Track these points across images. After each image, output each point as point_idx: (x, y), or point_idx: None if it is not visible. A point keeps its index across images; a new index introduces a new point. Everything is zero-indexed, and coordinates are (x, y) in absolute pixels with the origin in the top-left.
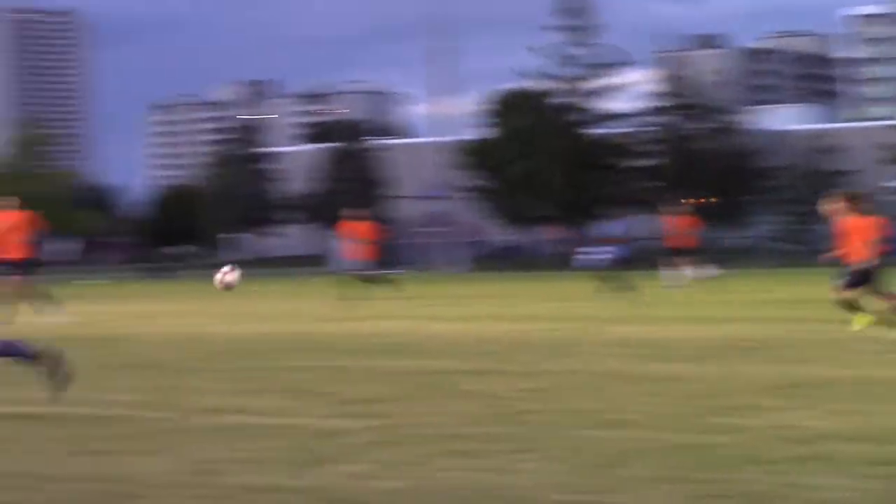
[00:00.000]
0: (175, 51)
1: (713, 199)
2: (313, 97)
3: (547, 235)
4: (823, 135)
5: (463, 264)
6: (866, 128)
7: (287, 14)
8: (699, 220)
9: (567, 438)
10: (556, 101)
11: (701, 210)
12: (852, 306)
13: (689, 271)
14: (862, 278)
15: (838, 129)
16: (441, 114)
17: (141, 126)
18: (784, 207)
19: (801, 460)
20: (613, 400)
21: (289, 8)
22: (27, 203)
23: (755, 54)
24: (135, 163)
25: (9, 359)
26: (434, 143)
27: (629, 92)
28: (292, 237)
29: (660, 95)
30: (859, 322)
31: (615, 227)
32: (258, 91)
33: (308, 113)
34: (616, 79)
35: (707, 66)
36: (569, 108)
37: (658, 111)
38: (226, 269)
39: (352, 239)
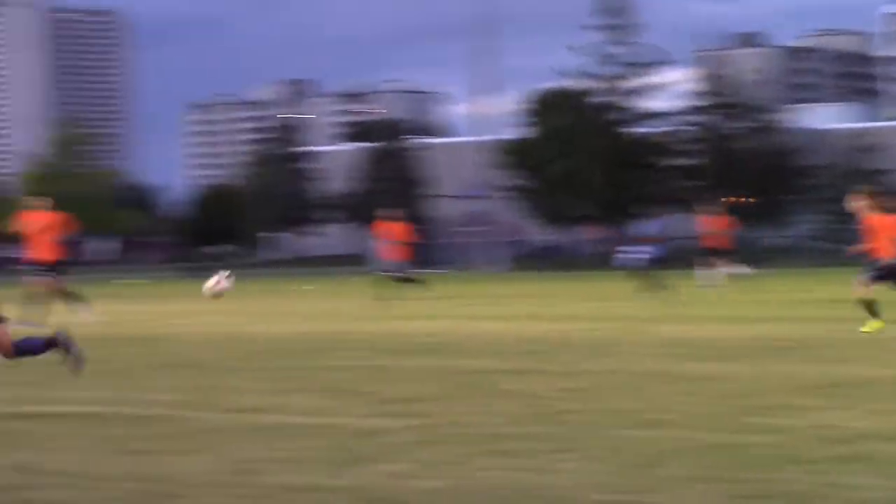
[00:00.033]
0: (215, 50)
1: (752, 199)
2: (352, 96)
3: (586, 235)
4: (864, 133)
5: (502, 264)
6: None
7: (326, 13)
8: (734, 221)
9: (606, 438)
10: (596, 100)
11: (740, 209)
12: (870, 307)
13: (723, 271)
14: (887, 274)
15: (879, 128)
16: (481, 113)
17: (180, 126)
18: (824, 206)
19: (841, 460)
20: (652, 400)
21: (328, 7)
22: (63, 203)
23: (795, 53)
24: (174, 162)
25: (30, 356)
26: (474, 142)
27: (669, 91)
28: (331, 236)
29: (700, 94)
30: (871, 326)
31: (651, 226)
32: (298, 90)
33: (347, 112)
34: (656, 78)
35: (747, 64)
36: (609, 108)
37: (698, 110)
38: (218, 277)
39: (385, 239)
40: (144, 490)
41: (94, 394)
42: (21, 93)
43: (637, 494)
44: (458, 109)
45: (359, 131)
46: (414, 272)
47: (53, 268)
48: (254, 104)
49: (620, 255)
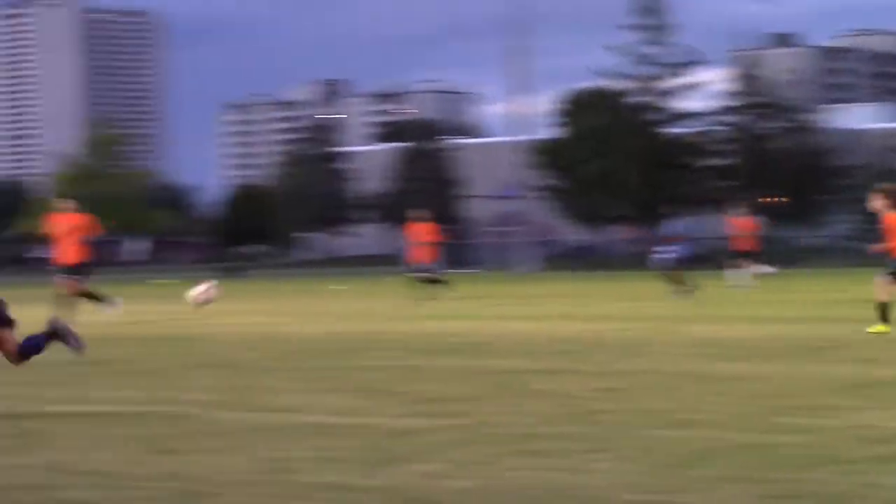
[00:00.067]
0: (249, 51)
1: (787, 199)
2: (387, 97)
3: (621, 235)
4: None
5: (535, 264)
6: None
7: (361, 14)
8: (760, 222)
9: (638, 438)
10: (631, 100)
11: (774, 209)
12: (883, 309)
13: (750, 271)
14: None
15: None
16: (516, 113)
17: (215, 126)
18: (859, 206)
19: (880, 460)
20: (685, 400)
21: (363, 7)
22: (96, 204)
23: (831, 53)
24: (209, 163)
25: (35, 354)
26: (507, 142)
27: (705, 91)
28: (365, 237)
29: (734, 94)
30: (876, 328)
31: (677, 226)
32: (332, 90)
33: (381, 112)
34: (692, 78)
35: (782, 64)
36: (644, 108)
37: (732, 110)
38: (206, 285)
39: (413, 240)
40: (178, 489)
41: (127, 393)
42: (54, 93)
43: (669, 494)
44: (493, 109)
45: (392, 131)
46: (439, 273)
47: (77, 269)
48: (288, 104)
49: (657, 256)
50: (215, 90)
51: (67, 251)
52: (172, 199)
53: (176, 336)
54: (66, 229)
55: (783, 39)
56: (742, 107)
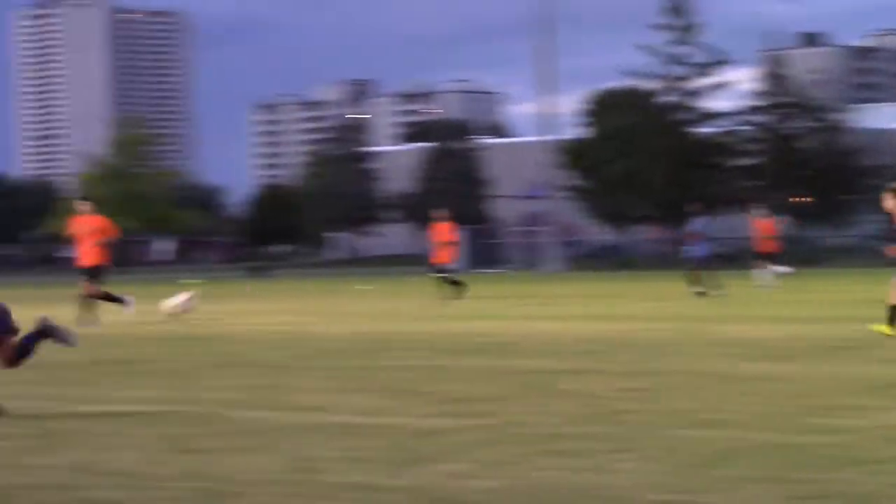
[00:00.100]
0: (277, 51)
1: (814, 199)
2: (413, 96)
3: (647, 235)
4: None
5: (562, 264)
6: None
7: (388, 13)
8: (781, 223)
9: (664, 438)
10: (658, 99)
11: (801, 209)
12: (893, 310)
13: (769, 271)
14: None
15: None
16: (542, 113)
17: (242, 126)
18: None
19: None
20: (710, 399)
21: (390, 7)
22: (124, 203)
23: (859, 52)
24: (237, 162)
25: (28, 355)
26: (534, 142)
27: (733, 91)
28: (391, 236)
29: (762, 94)
30: (880, 327)
31: (696, 224)
32: (359, 90)
33: (408, 112)
34: (719, 78)
35: (810, 64)
36: (672, 107)
37: (760, 110)
38: (184, 295)
39: (434, 240)
40: (203, 489)
41: (151, 393)
42: (82, 93)
43: (693, 494)
44: (520, 109)
45: (419, 131)
46: (455, 273)
47: (93, 272)
48: (315, 104)
49: (687, 253)
50: (243, 90)
51: (85, 253)
52: (200, 199)
53: (201, 335)
54: (84, 231)
55: (811, 39)
56: (769, 106)
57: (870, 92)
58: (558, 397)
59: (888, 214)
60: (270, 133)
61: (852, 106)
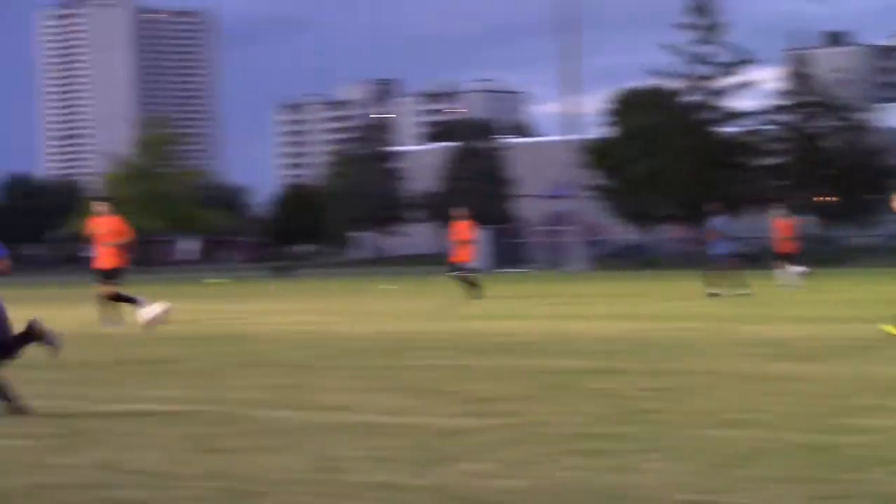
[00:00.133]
0: (301, 50)
1: (839, 198)
2: (438, 96)
3: (671, 234)
4: None
5: (585, 263)
6: None
7: (412, 13)
8: (801, 223)
9: (689, 438)
10: (682, 99)
11: (826, 208)
12: None
13: (791, 270)
14: None
15: None
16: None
17: (267, 125)
18: None
19: None
20: (735, 399)
21: (414, 7)
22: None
23: (885, 51)
24: (261, 162)
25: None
26: (558, 141)
27: (757, 90)
28: (416, 236)
29: (787, 93)
30: (890, 328)
31: (716, 223)
32: (383, 90)
33: (432, 112)
34: (744, 77)
35: (835, 63)
36: (696, 107)
37: (785, 109)
38: (158, 306)
39: (455, 238)
40: (227, 488)
41: (176, 392)
42: (107, 93)
43: (721, 494)
44: (544, 109)
45: (443, 131)
46: (473, 272)
47: (109, 274)
48: (340, 104)
49: (712, 252)
50: (267, 90)
51: (101, 255)
52: (224, 199)
53: (226, 335)
54: (101, 232)
55: (836, 38)
56: (794, 106)
57: (895, 91)
58: (583, 397)
59: None
60: (295, 133)
61: (877, 105)
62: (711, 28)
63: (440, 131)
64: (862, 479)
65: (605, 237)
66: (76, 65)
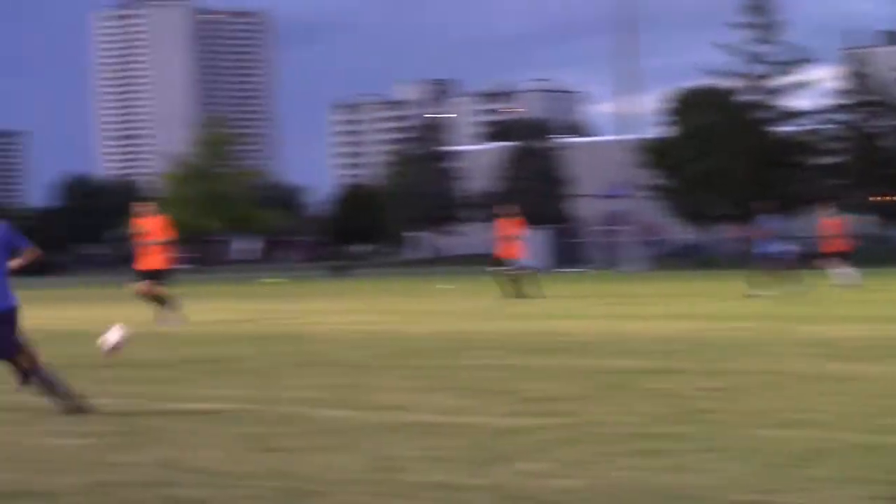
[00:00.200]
0: (358, 50)
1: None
2: (494, 96)
3: (728, 234)
4: None
5: (643, 263)
6: None
7: (470, 13)
8: (853, 222)
9: (746, 438)
10: (740, 98)
11: (885, 208)
12: None
13: (840, 270)
14: None
15: None
16: (623, 112)
17: (324, 125)
18: None
19: None
20: (794, 399)
21: (471, 7)
22: (202, 203)
23: None
24: (318, 162)
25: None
26: (615, 141)
27: (815, 89)
28: (472, 236)
29: (845, 92)
30: None
31: (767, 223)
32: (440, 90)
33: (489, 111)
34: (801, 76)
35: (893, 62)
36: (753, 106)
37: (843, 108)
38: (117, 330)
39: (503, 235)
40: (285, 488)
41: (235, 391)
42: (165, 93)
43: (776, 495)
44: (601, 108)
45: (500, 131)
46: (520, 270)
47: (156, 275)
48: (397, 104)
49: (765, 252)
50: (324, 90)
51: (147, 255)
52: (281, 199)
53: (284, 335)
54: (146, 232)
55: (894, 37)
56: (852, 105)
57: None
58: (639, 397)
59: None
60: (351, 132)
61: None
62: (768, 27)
63: (497, 131)
64: None
65: (662, 237)
66: (134, 65)
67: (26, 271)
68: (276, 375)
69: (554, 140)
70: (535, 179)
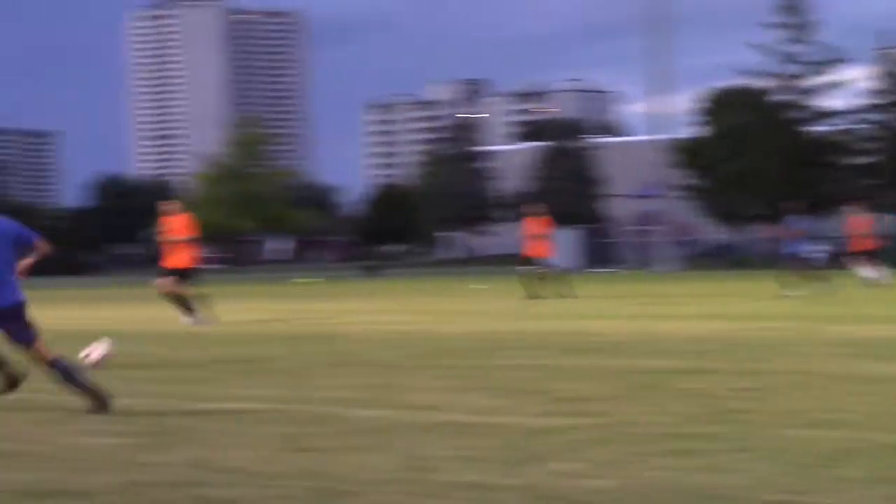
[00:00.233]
0: (391, 51)
1: None
2: (527, 96)
3: (761, 234)
4: None
5: (676, 263)
6: None
7: (502, 13)
8: (876, 221)
9: (778, 438)
10: (773, 98)
11: None
12: None
13: (871, 270)
14: None
15: None
16: (656, 112)
17: (357, 125)
18: None
19: None
20: (827, 399)
21: (504, 6)
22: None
23: None
24: (351, 162)
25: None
26: (648, 141)
27: (848, 89)
28: (506, 235)
29: (879, 92)
30: None
31: (797, 223)
32: (473, 90)
33: (522, 111)
34: (835, 76)
35: None
36: (787, 106)
37: (877, 108)
38: (99, 345)
39: (530, 234)
40: (317, 488)
41: (268, 391)
42: (199, 93)
43: (808, 495)
44: (634, 108)
45: (533, 130)
46: (548, 269)
47: (183, 273)
48: (430, 104)
49: (798, 252)
50: (358, 90)
51: (173, 253)
52: (315, 199)
53: (317, 334)
54: (172, 231)
55: None
56: (886, 105)
57: None
58: (671, 397)
59: None
60: (385, 133)
61: None
62: (802, 27)
63: (530, 131)
64: None
65: (695, 237)
66: (168, 65)
67: (60, 271)
68: (309, 375)
69: (587, 140)
70: (568, 179)
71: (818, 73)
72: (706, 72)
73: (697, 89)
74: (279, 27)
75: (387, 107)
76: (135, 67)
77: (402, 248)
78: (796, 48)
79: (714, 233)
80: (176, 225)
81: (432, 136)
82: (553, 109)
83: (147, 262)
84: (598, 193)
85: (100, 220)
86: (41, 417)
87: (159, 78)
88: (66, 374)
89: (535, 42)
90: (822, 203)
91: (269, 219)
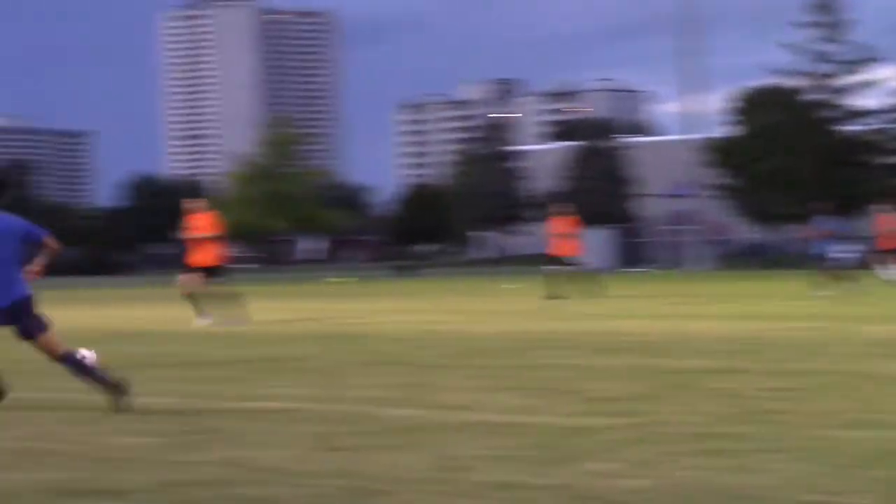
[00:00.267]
0: (423, 50)
1: None
2: (559, 95)
3: (795, 234)
4: None
5: (709, 262)
6: None
7: (534, 12)
8: None
9: (813, 438)
10: (806, 97)
11: None
12: None
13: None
14: None
15: None
16: (689, 111)
17: (389, 125)
18: None
19: None
20: (863, 400)
21: (536, 6)
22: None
23: None
24: (383, 162)
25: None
26: (681, 140)
27: (882, 88)
28: (538, 235)
29: None
30: None
31: (826, 224)
32: (505, 89)
33: (554, 111)
34: (868, 75)
35: None
36: (819, 105)
37: None
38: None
39: (557, 233)
40: (351, 487)
41: (301, 390)
42: (231, 93)
43: (843, 496)
44: (666, 108)
45: (565, 130)
46: (577, 269)
47: (210, 271)
48: (462, 104)
49: (838, 255)
50: (390, 90)
51: (199, 251)
52: (347, 199)
53: (349, 334)
54: (198, 229)
55: None
56: None
57: None
58: (704, 397)
59: None
60: (417, 132)
61: None
62: (834, 26)
63: (562, 131)
64: None
65: (727, 236)
66: (200, 65)
67: (95, 271)
68: (341, 374)
69: (619, 140)
70: (601, 179)
71: (851, 72)
72: (739, 71)
73: (730, 89)
74: (312, 27)
75: (419, 106)
76: (168, 67)
77: (435, 247)
78: (829, 47)
79: (747, 232)
80: (201, 223)
81: (464, 135)
82: (585, 109)
83: (181, 261)
84: (630, 193)
85: (134, 219)
86: (73, 417)
87: (192, 78)
88: (79, 367)
89: (567, 41)
90: (855, 203)
91: (301, 219)
